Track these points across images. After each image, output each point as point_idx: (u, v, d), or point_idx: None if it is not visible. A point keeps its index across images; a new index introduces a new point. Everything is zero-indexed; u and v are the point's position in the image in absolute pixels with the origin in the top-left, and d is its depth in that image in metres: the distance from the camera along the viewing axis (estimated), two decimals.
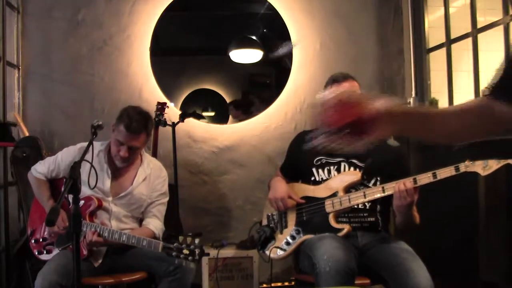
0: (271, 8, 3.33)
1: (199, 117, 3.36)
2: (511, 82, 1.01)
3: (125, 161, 2.30)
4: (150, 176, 2.40)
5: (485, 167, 1.85)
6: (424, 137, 1.23)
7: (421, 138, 1.21)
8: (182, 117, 3.02)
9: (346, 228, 2.12)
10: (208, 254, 2.84)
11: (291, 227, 2.24)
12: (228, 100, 3.45)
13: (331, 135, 0.99)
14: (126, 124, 2.20)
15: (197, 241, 1.97)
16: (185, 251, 1.95)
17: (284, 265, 3.08)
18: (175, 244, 1.96)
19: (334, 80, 2.26)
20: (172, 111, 3.16)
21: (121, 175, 2.37)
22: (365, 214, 2.20)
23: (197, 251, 1.94)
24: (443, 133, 1.11)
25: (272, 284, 2.87)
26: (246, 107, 3.44)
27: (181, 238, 1.97)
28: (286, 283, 2.96)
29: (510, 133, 1.10)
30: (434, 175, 1.94)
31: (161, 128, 2.94)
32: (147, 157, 2.46)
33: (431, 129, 1.10)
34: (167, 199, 2.45)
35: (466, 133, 1.09)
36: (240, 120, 3.38)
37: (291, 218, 2.26)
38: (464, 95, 3.01)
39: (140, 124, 2.23)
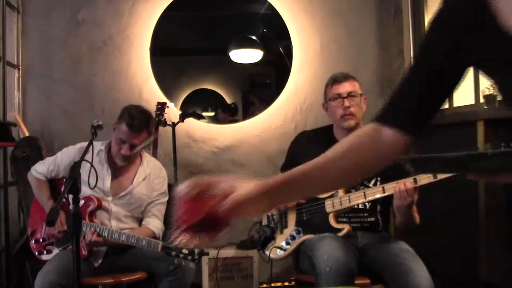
0: (271, 8, 3.33)
1: (199, 117, 3.36)
2: (397, 106, 0.94)
3: (126, 160, 2.30)
4: (150, 175, 2.40)
5: None
6: (306, 195, 1.09)
7: (304, 197, 1.03)
8: (182, 117, 3.02)
9: (346, 228, 2.12)
10: (207, 254, 2.84)
11: (291, 227, 2.24)
12: (228, 100, 3.45)
13: (187, 231, 0.92)
14: (128, 122, 2.21)
15: None
16: (185, 251, 1.95)
17: (284, 265, 3.08)
18: (174, 244, 1.96)
19: (335, 80, 2.26)
20: (172, 111, 3.16)
21: (121, 174, 2.37)
22: (365, 214, 2.20)
23: (196, 250, 1.95)
24: (330, 183, 1.01)
25: (272, 284, 2.87)
26: (234, 111, 3.44)
27: None
28: (286, 283, 2.96)
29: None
30: (434, 175, 1.94)
31: (161, 128, 2.94)
32: (146, 157, 2.47)
33: (312, 186, 0.98)
34: (166, 198, 2.45)
35: (357, 171, 0.97)
36: (229, 122, 3.39)
37: (291, 218, 2.26)
38: (464, 95, 3.01)
39: (142, 122, 2.25)
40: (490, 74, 0.91)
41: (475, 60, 0.89)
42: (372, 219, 2.20)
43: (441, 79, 0.90)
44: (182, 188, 0.91)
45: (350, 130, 2.23)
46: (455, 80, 0.92)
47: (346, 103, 2.19)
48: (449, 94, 0.93)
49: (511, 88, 0.86)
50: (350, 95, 2.20)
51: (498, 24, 0.80)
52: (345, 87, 2.22)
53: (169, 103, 3.08)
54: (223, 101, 3.46)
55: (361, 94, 2.24)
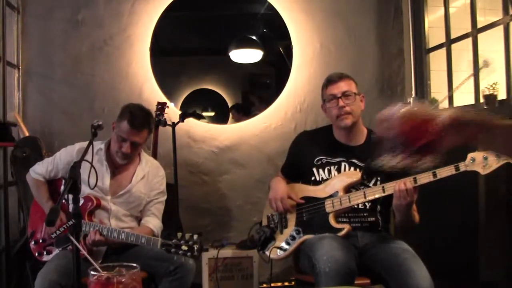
0: (271, 8, 3.33)
1: (199, 117, 3.36)
2: None
3: (127, 158, 2.31)
4: (148, 174, 2.41)
5: (484, 166, 1.85)
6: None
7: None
8: (182, 117, 3.02)
9: (346, 228, 2.11)
10: (207, 250, 2.83)
11: (291, 227, 2.24)
12: (228, 100, 3.45)
13: (402, 153, 0.90)
14: (129, 120, 2.22)
15: (195, 236, 1.97)
16: (184, 247, 1.95)
17: (284, 265, 3.08)
18: (173, 240, 1.97)
19: (329, 81, 2.26)
20: (172, 111, 3.16)
21: (120, 173, 2.37)
22: (365, 214, 2.19)
23: (195, 246, 1.94)
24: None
25: (272, 284, 2.87)
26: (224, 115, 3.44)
27: (179, 234, 1.97)
28: (286, 283, 2.96)
29: None
30: (434, 174, 1.94)
31: (161, 128, 2.94)
32: (145, 156, 2.48)
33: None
34: (165, 197, 2.46)
35: None
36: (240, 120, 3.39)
37: (291, 218, 2.25)
38: (464, 95, 3.01)
39: (143, 120, 2.27)
40: None
41: None
42: (372, 219, 2.20)
43: None
44: (396, 109, 0.90)
45: (348, 129, 2.23)
46: None
47: (341, 103, 2.19)
48: None
49: None
50: (344, 94, 2.20)
51: None
52: (339, 87, 2.21)
53: (169, 103, 3.09)
54: (234, 98, 3.47)
55: (355, 93, 2.22)
